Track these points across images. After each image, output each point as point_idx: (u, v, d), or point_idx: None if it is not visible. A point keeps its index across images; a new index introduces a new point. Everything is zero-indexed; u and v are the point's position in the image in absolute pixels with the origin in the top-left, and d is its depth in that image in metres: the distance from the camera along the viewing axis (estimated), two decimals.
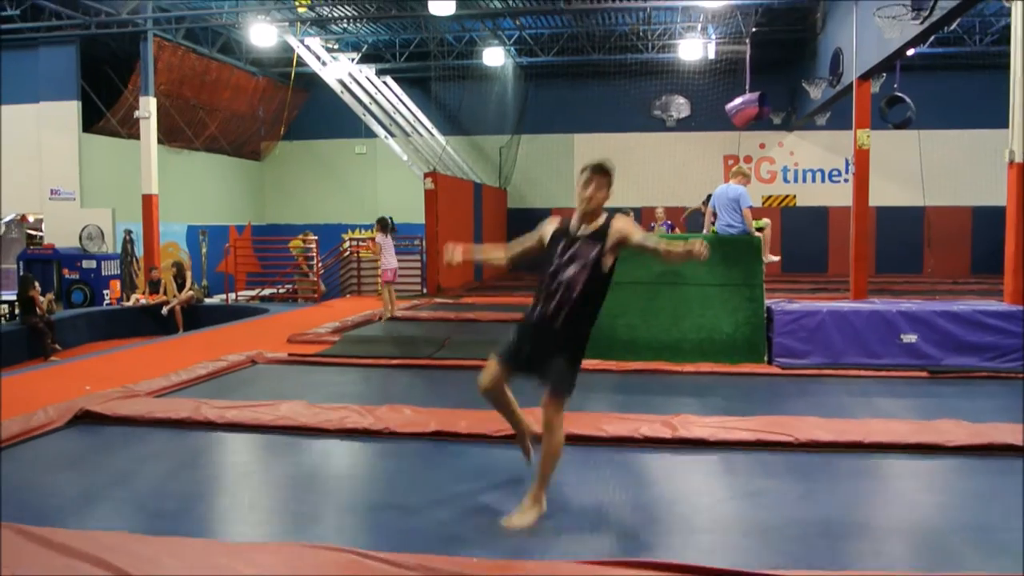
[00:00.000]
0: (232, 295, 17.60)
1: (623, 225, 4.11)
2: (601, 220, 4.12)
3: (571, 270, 4.06)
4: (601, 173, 4.10)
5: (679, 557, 3.52)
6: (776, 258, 10.20)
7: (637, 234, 4.09)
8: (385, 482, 4.83)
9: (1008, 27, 8.86)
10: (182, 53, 18.51)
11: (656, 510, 4.27)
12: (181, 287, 14.86)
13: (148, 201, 17.08)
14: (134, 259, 17.78)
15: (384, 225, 12.15)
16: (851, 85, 14.61)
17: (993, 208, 19.78)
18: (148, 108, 16.88)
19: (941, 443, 5.21)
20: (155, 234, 17.17)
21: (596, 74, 21.75)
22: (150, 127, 16.97)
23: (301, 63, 19.44)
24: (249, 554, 3.45)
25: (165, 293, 14.98)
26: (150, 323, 14.26)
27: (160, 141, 17.72)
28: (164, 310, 14.44)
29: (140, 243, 17.51)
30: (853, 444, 5.26)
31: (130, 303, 15.42)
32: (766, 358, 8.36)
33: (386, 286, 12.04)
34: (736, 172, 9.82)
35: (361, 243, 19.58)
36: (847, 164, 17.52)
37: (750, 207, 9.17)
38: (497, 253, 4.63)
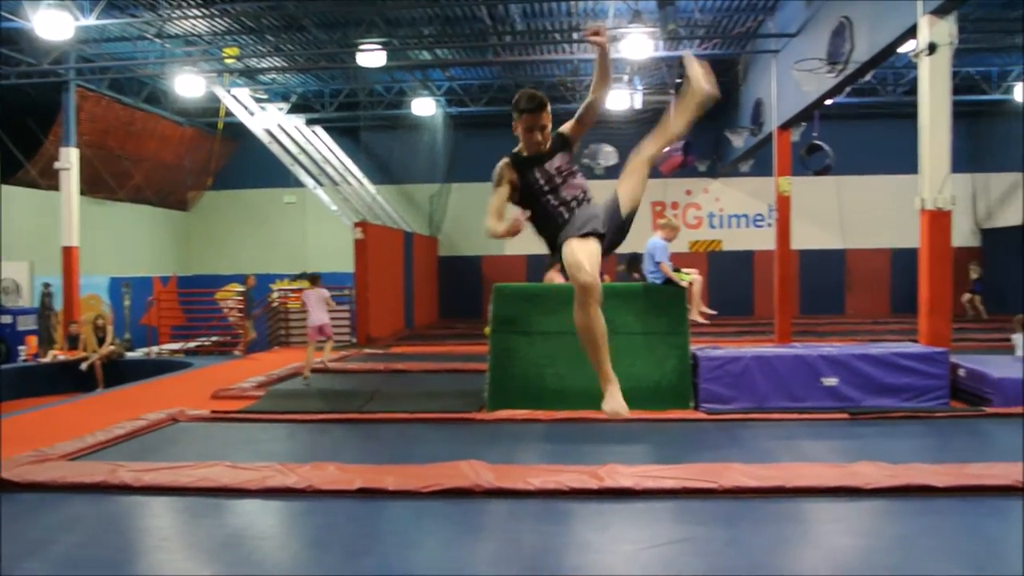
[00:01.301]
0: (156, 348, 17.22)
1: (566, 127, 4.34)
2: (550, 141, 4.31)
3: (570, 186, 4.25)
4: (543, 108, 4.26)
5: None
6: (704, 320, 10.05)
7: (574, 121, 4.31)
8: (308, 542, 4.74)
9: (918, 79, 9.25)
10: (106, 103, 18.26)
11: (581, 561, 4.26)
12: (101, 342, 14.46)
13: (68, 253, 16.70)
14: (52, 313, 17.28)
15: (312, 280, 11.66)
16: (772, 134, 15.09)
17: (910, 250, 20.49)
18: (69, 159, 16.58)
19: (861, 486, 5.32)
20: (75, 287, 16.76)
21: None
22: (71, 178, 16.65)
23: (229, 113, 19.33)
24: None
25: (84, 348, 14.56)
26: (69, 380, 13.82)
27: (82, 192, 17.39)
28: (83, 366, 14.02)
29: (60, 296, 17.06)
30: (776, 489, 5.33)
31: (47, 359, 14.96)
32: (693, 404, 8.45)
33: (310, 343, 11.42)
34: (662, 224, 9.98)
35: (291, 293, 19.38)
36: (770, 209, 17.98)
37: (666, 261, 9.34)
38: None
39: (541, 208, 4.23)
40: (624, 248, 4.83)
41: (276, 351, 16.46)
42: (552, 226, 4.23)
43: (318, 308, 10.88)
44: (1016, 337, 10.32)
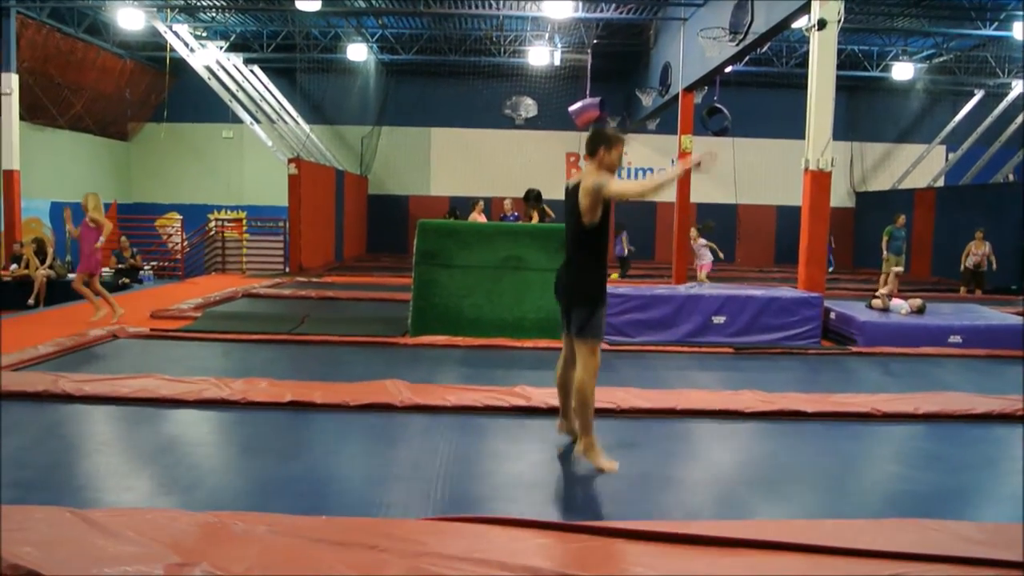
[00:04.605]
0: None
1: (588, 180, 4.23)
2: (579, 177, 4.35)
3: (570, 234, 4.42)
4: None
5: (511, 511, 3.61)
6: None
7: (593, 182, 4.19)
8: (240, 449, 4.71)
9: (809, 52, 9.42)
10: (47, 32, 17.24)
11: (491, 467, 4.35)
12: (43, 263, 13.92)
13: (9, 177, 15.90)
14: None
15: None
16: (677, 96, 15.19)
17: (793, 207, 21.11)
18: (10, 85, 15.68)
19: (741, 409, 5.54)
20: (16, 210, 16.00)
21: (452, 73, 21.73)
22: (12, 104, 15.78)
23: (171, 48, 18.49)
24: (107, 521, 3.28)
25: (27, 268, 13.99)
26: (10, 297, 13.29)
27: (22, 118, 16.50)
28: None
29: (1, 218, 16.27)
30: (668, 411, 5.51)
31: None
32: None
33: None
34: None
35: (227, 223, 18.90)
36: (673, 164, 18.18)
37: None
38: None
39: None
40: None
41: (213, 276, 16.09)
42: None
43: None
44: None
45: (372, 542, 3.09)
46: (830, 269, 20.22)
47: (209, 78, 18.10)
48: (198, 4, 17.42)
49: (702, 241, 13.84)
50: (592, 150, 4.34)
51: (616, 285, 10.05)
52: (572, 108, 17.92)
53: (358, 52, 19.65)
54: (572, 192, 4.34)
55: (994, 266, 14.99)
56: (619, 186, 4.30)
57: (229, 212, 22.33)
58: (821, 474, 4.44)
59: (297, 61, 20.15)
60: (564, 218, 4.46)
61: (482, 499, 3.85)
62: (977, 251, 14.97)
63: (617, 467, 4.26)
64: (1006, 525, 3.52)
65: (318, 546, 3.06)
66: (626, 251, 17.00)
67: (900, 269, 13.73)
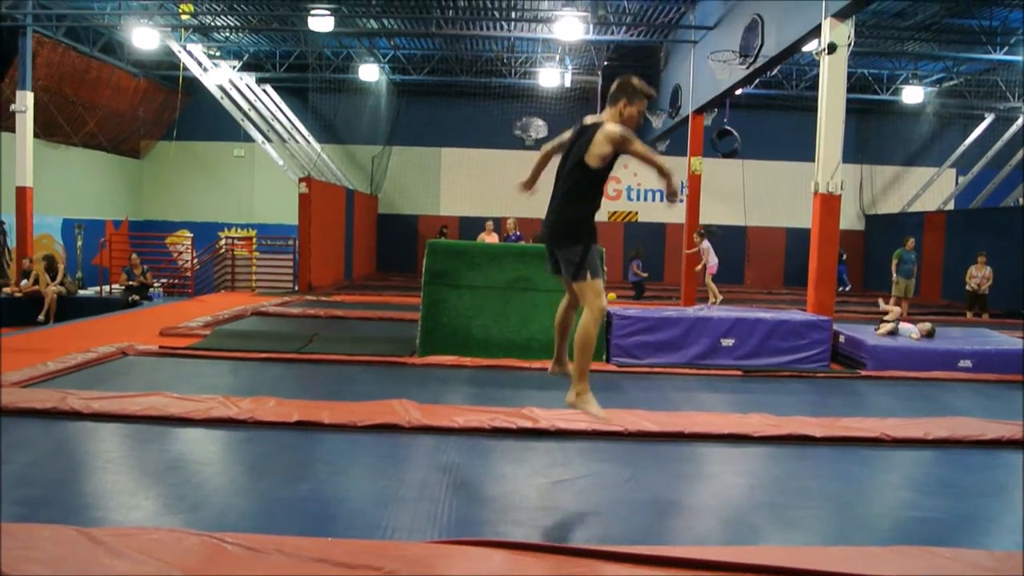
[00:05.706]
0: (107, 288, 16.73)
1: (612, 128, 4.24)
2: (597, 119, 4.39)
3: (566, 170, 4.40)
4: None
5: (517, 535, 3.59)
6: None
7: (622, 133, 4.23)
8: (247, 468, 4.70)
9: (819, 76, 9.45)
10: (62, 51, 17.45)
11: (499, 491, 4.33)
12: (54, 279, 14.00)
13: (22, 193, 16.04)
14: (6, 250, 16.61)
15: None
16: (687, 118, 15.24)
17: (802, 230, 21.09)
18: (25, 103, 15.86)
19: (750, 434, 5.50)
20: (28, 226, 16.13)
21: (463, 94, 21.85)
22: (26, 121, 15.94)
23: (184, 67, 18.67)
24: (113, 540, 3.27)
25: (37, 284, 14.07)
26: (21, 313, 13.37)
27: (37, 135, 16.66)
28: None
29: (13, 235, 16.40)
30: (675, 434, 5.48)
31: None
32: (605, 358, 8.58)
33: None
34: None
35: (237, 241, 18.98)
36: (682, 186, 18.21)
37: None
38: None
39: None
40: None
41: (222, 294, 16.14)
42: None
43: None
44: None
45: (378, 564, 3.08)
46: (847, 288, 20.25)
47: (222, 97, 18.25)
48: (212, 24, 17.59)
49: (706, 244, 14.17)
50: (614, 99, 4.38)
51: (624, 306, 10.04)
52: None
53: (370, 72, 19.82)
54: (586, 132, 4.32)
55: (988, 284, 14.96)
56: (644, 148, 4.30)
57: (239, 230, 22.46)
58: (830, 500, 4.41)
59: (309, 81, 20.34)
60: (564, 157, 4.43)
61: (488, 522, 3.84)
62: (977, 274, 15.00)
63: (611, 419, 4.40)
64: (1018, 553, 3.49)
65: (323, 568, 3.05)
66: (640, 276, 17.07)
67: (895, 297, 13.85)
